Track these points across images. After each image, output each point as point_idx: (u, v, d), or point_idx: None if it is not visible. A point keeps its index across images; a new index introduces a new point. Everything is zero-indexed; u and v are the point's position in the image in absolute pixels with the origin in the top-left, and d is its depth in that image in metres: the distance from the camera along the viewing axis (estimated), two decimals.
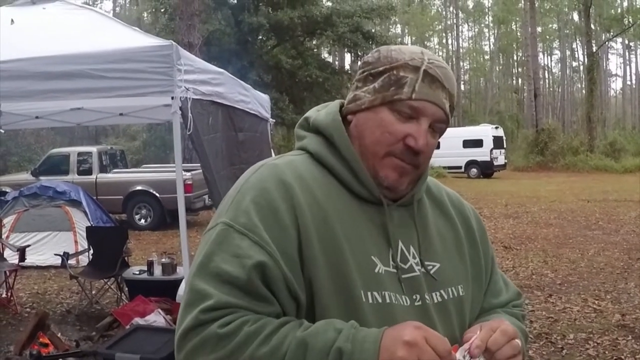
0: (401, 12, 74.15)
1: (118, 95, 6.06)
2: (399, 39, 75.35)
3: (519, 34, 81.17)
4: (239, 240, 1.61)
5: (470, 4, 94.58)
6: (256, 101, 9.26)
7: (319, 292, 1.62)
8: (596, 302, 9.19)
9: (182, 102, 5.88)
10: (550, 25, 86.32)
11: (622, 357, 6.99)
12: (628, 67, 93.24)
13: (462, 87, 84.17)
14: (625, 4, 70.10)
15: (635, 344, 7.35)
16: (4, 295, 9.57)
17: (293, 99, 35.38)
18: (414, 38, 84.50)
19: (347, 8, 35.80)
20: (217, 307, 1.53)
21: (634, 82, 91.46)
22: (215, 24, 32.77)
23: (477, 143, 39.12)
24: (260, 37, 37.55)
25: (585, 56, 59.56)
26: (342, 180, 1.77)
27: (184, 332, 1.56)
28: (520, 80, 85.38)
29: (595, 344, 7.39)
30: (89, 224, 12.17)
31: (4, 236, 10.91)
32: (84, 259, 10.55)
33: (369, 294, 1.66)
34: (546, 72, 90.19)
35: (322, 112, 1.90)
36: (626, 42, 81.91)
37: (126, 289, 9.20)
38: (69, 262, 9.69)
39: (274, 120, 11.16)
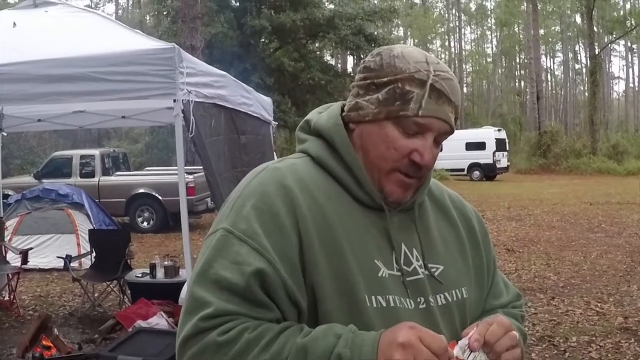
0: (404, 15, 74.26)
1: (121, 98, 6.06)
2: (402, 42, 75.19)
3: (521, 36, 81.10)
4: (239, 247, 1.60)
5: (473, 7, 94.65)
6: (259, 104, 9.26)
7: (322, 297, 1.62)
8: (599, 305, 9.17)
9: (185, 105, 5.87)
10: (553, 28, 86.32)
11: None
12: (631, 70, 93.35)
13: (465, 90, 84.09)
14: (628, 6, 70.03)
15: (638, 347, 7.34)
16: (6, 298, 9.58)
17: (296, 101, 35.37)
18: (416, 41, 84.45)
19: (349, 11, 35.87)
20: (217, 314, 1.54)
21: (636, 84, 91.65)
22: (217, 27, 32.80)
23: (480, 146, 39.10)
24: (263, 40, 37.59)
25: (588, 59, 59.71)
26: (344, 185, 1.76)
27: (184, 340, 1.57)
28: (523, 83, 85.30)
29: (598, 347, 7.38)
30: (92, 227, 12.19)
31: (6, 239, 10.92)
32: (87, 262, 10.54)
33: (373, 298, 1.65)
34: (549, 74, 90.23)
35: (324, 116, 1.88)
36: (629, 44, 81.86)
37: (129, 291, 9.19)
38: (72, 265, 9.69)
39: (277, 123, 11.16)
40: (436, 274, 1.79)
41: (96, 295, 9.66)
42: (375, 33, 39.43)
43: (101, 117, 10.02)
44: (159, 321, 7.44)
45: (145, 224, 18.15)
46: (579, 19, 78.77)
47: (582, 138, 52.12)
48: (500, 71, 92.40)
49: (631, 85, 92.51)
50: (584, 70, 79.26)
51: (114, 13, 72.56)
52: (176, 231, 14.90)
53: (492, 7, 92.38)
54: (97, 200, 15.08)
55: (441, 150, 1.81)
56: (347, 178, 1.76)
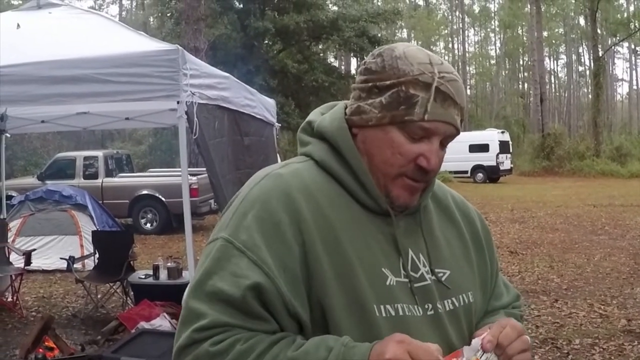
0: (407, 17, 74.23)
1: (124, 99, 6.07)
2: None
3: (525, 38, 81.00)
4: (238, 258, 1.58)
5: (477, 9, 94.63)
6: (262, 105, 9.26)
7: (330, 310, 1.59)
8: (602, 307, 9.16)
9: (188, 106, 5.87)
10: (557, 30, 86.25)
11: None
12: (634, 72, 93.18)
13: (468, 91, 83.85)
14: (631, 8, 69.92)
15: None
16: (9, 299, 9.59)
17: (299, 103, 35.36)
18: (420, 42, 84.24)
19: (353, 12, 35.79)
20: (211, 326, 1.53)
21: None
22: (221, 28, 32.82)
23: (483, 148, 39.08)
24: (266, 41, 37.58)
25: (592, 61, 59.43)
26: (348, 189, 1.73)
27: (178, 350, 1.58)
28: (526, 84, 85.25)
29: (601, 350, 7.37)
30: (95, 228, 12.19)
31: (9, 240, 10.93)
32: (90, 263, 10.55)
33: (382, 307, 1.63)
34: (552, 76, 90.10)
35: (327, 118, 1.83)
36: (632, 46, 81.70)
37: (132, 293, 9.19)
38: (75, 266, 9.71)
39: (280, 125, 11.17)
40: (443, 279, 1.77)
41: (99, 296, 9.67)
42: (379, 35, 39.33)
43: (104, 118, 10.03)
44: (162, 322, 7.44)
45: (148, 225, 18.17)
46: (582, 21, 78.78)
47: (586, 140, 52.03)
48: (503, 73, 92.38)
49: (634, 87, 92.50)
50: (587, 72, 79.25)
51: (117, 14, 72.58)
52: (179, 232, 14.91)
53: (496, 9, 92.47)
54: (100, 202, 15.09)
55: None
56: (352, 182, 1.73)
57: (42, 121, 9.76)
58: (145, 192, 18.13)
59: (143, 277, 9.08)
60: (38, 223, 12.85)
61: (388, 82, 1.67)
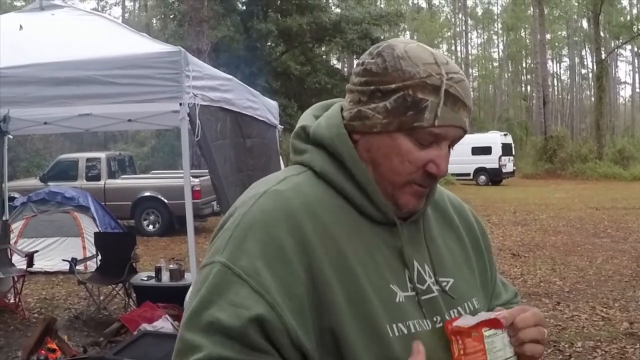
0: (410, 19, 74.20)
1: (126, 101, 6.08)
2: None
3: (528, 41, 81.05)
4: (238, 286, 1.45)
5: (480, 11, 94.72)
6: (265, 107, 9.26)
7: (343, 337, 1.48)
8: (604, 310, 9.16)
9: (190, 108, 5.87)
10: (560, 33, 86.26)
11: None
12: (637, 75, 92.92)
13: (471, 94, 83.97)
14: (634, 11, 69.88)
15: None
16: (12, 301, 9.60)
17: (302, 105, 35.27)
18: None
19: (356, 15, 35.79)
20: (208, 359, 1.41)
21: None
22: (224, 30, 32.81)
23: (486, 150, 39.04)
24: (269, 43, 37.59)
25: (594, 63, 59.49)
26: (352, 201, 1.61)
27: None
28: (529, 87, 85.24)
29: (603, 352, 7.37)
30: (97, 230, 12.22)
31: (12, 242, 10.94)
32: (92, 265, 10.57)
33: (394, 326, 1.53)
34: (555, 79, 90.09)
35: (323, 123, 1.71)
36: (635, 49, 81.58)
37: (134, 294, 9.21)
38: (77, 267, 9.72)
39: (283, 127, 11.15)
40: (447, 288, 1.69)
41: (101, 298, 9.67)
42: (382, 37, 39.28)
43: (107, 119, 10.04)
44: (164, 324, 7.45)
45: (151, 226, 18.19)
46: (585, 24, 78.78)
47: (588, 143, 52.00)
48: (506, 75, 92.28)
49: (637, 90, 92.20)
50: (590, 74, 79.25)
51: (120, 16, 72.65)
52: (181, 234, 14.92)
53: (499, 12, 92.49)
54: (103, 203, 15.09)
55: None
56: (356, 194, 1.61)
57: (45, 123, 9.77)
58: (147, 193, 18.15)
59: (145, 279, 9.10)
60: (40, 225, 12.87)
61: (393, 86, 1.55)
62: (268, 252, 1.47)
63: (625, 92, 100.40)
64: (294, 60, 37.75)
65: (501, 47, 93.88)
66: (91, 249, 11.30)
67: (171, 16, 36.21)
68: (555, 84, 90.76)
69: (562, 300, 9.76)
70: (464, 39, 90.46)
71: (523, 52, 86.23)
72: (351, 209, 1.61)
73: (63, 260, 10.47)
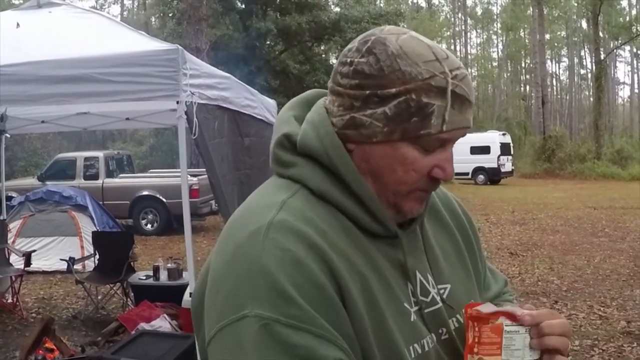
0: (409, 18, 74.13)
1: (124, 99, 6.05)
2: None
3: (527, 41, 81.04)
4: (299, 337, 1.24)
5: (479, 11, 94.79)
6: (263, 106, 9.25)
7: None
8: (602, 309, 9.17)
9: (188, 106, 5.85)
10: (559, 33, 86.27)
11: None
12: (636, 75, 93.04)
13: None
14: (633, 12, 69.90)
15: None
16: (9, 301, 9.59)
17: None
18: None
19: (355, 14, 35.79)
20: None
21: None
22: (223, 28, 32.83)
23: (485, 150, 39.01)
24: (268, 42, 37.56)
25: (593, 64, 59.49)
26: (352, 217, 1.46)
27: None
28: (528, 87, 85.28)
29: (601, 351, 7.38)
30: (95, 229, 12.20)
31: (9, 241, 10.93)
32: (90, 264, 10.54)
33: (411, 348, 1.44)
34: (554, 79, 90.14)
35: (310, 132, 1.50)
36: (634, 50, 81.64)
37: (132, 294, 9.20)
38: (75, 267, 9.71)
39: None
40: (445, 295, 1.59)
41: (99, 297, 9.67)
42: None
43: (105, 118, 10.03)
44: (162, 323, 7.44)
45: (149, 226, 18.18)
46: (584, 24, 78.81)
47: (587, 143, 52.06)
48: (505, 75, 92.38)
49: (636, 90, 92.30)
50: (589, 75, 79.24)
51: (119, 14, 72.67)
52: (180, 233, 14.86)
53: (498, 12, 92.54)
54: (101, 202, 15.09)
55: None
56: (357, 211, 1.46)
57: (43, 121, 9.76)
58: (145, 192, 18.15)
59: (143, 278, 9.09)
60: (38, 224, 12.86)
61: (393, 90, 1.38)
62: (310, 294, 1.29)
63: (624, 93, 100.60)
64: (293, 59, 37.75)
65: (500, 47, 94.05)
66: (89, 249, 11.27)
67: (170, 14, 36.18)
68: (554, 84, 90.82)
69: (559, 299, 9.77)
70: (464, 38, 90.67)
71: (522, 52, 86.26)
72: (352, 225, 1.46)
73: (61, 259, 10.45)
